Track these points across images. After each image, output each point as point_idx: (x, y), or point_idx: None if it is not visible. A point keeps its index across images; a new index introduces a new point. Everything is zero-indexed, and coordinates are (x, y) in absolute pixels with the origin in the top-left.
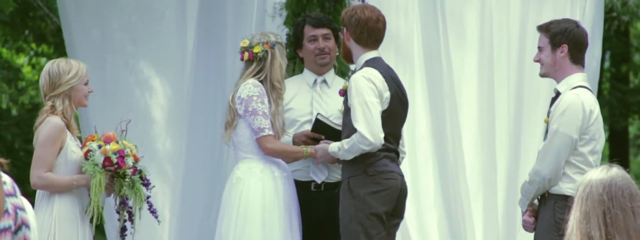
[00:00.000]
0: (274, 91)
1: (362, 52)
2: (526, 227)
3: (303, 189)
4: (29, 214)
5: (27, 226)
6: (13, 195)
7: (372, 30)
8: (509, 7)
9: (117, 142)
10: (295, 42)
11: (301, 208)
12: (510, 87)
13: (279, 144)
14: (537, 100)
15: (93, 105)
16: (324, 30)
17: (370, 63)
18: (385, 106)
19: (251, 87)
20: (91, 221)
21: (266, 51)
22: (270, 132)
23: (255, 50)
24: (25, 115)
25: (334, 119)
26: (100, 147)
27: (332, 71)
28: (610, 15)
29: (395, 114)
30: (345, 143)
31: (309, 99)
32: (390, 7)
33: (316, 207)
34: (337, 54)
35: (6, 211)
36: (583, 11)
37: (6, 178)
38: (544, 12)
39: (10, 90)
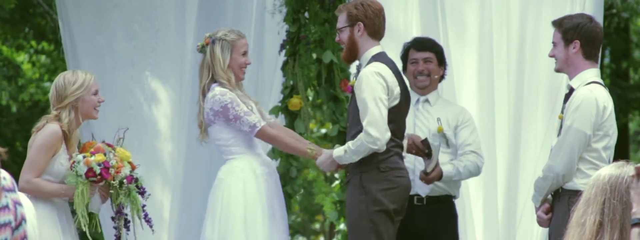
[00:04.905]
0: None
1: (371, 45)
2: (541, 222)
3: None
4: (26, 209)
5: (26, 221)
6: (12, 190)
7: (384, 20)
8: (508, 3)
9: (105, 154)
10: (403, 64)
11: (403, 220)
12: (510, 83)
13: (282, 132)
14: (537, 96)
15: None
16: (426, 54)
17: (377, 58)
18: (395, 102)
19: (219, 98)
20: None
21: (203, 46)
22: (263, 123)
23: (199, 43)
24: (25, 112)
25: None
26: (84, 157)
27: (435, 91)
28: (610, 12)
29: (402, 109)
30: (351, 144)
31: (411, 117)
32: (390, 3)
33: (418, 219)
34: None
35: (6, 206)
36: (583, 7)
37: (5, 174)
38: (544, 8)
39: (10, 88)
